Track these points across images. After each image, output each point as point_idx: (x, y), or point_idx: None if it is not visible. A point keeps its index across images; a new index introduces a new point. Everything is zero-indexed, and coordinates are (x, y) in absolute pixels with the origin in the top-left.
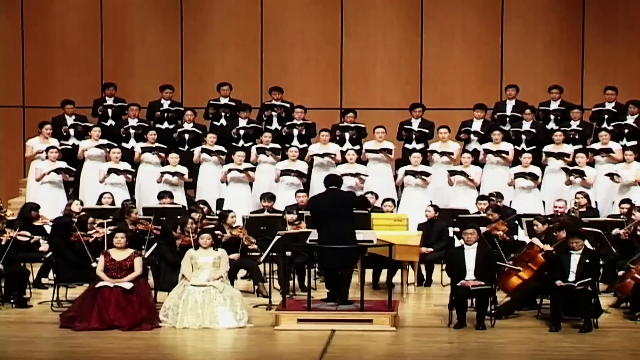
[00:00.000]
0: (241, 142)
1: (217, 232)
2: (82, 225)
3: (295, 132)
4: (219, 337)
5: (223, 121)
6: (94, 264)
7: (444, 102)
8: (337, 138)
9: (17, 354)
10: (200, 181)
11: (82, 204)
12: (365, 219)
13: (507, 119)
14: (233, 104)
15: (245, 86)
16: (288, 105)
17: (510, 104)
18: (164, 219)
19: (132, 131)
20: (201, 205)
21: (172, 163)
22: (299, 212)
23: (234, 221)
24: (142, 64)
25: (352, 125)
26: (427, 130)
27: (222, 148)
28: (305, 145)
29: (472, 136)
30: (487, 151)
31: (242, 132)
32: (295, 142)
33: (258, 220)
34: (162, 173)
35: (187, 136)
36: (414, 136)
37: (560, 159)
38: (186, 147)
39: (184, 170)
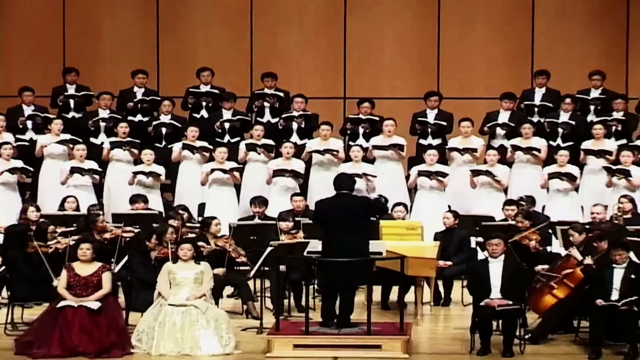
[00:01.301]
0: (227, 138)
1: (199, 242)
2: (40, 234)
3: (294, 125)
4: None
5: (204, 112)
6: (54, 283)
7: (465, 91)
8: (348, 132)
9: None
10: (180, 183)
11: (38, 209)
12: (373, 227)
13: (536, 109)
14: (216, 91)
15: (232, 72)
16: (282, 94)
17: (539, 92)
18: (137, 227)
19: (102, 124)
20: (180, 212)
21: (147, 161)
22: (296, 219)
23: (219, 229)
24: (111, 46)
25: (365, 117)
26: (444, 123)
27: (205, 144)
28: (305, 141)
29: (498, 130)
30: (515, 148)
31: (227, 125)
32: (294, 137)
33: (247, 229)
34: (135, 173)
35: (164, 130)
36: (429, 130)
37: (601, 157)
38: (163, 142)
39: (160, 169)
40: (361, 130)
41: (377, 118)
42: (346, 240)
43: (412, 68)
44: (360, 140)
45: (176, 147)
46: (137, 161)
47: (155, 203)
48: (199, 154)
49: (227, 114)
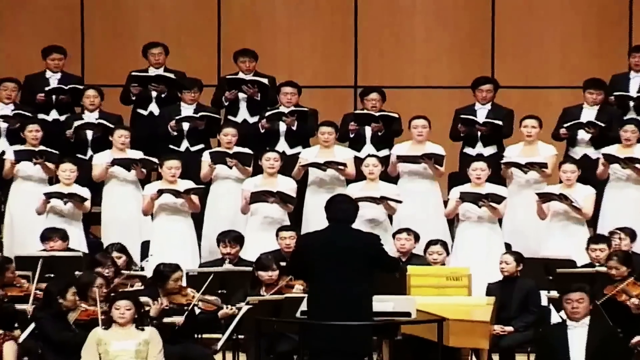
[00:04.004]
0: (185, 144)
1: (143, 299)
2: None
3: (282, 127)
4: None
5: (154, 107)
6: None
7: (531, 77)
8: (352, 136)
9: None
10: (111, 211)
11: None
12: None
13: (631, 102)
14: (172, 76)
15: (193, 50)
16: (266, 80)
17: (636, 78)
18: (52, 275)
19: (2, 125)
20: (116, 253)
21: (65, 179)
22: (282, 264)
23: (178, 286)
24: (15, 13)
25: (377, 114)
26: (500, 123)
27: (141, 154)
28: (298, 149)
29: (581, 134)
30: (609, 158)
31: (186, 126)
32: (282, 144)
33: (213, 279)
34: (47, 196)
35: (89, 134)
36: (478, 134)
37: None
38: (89, 152)
39: (84, 192)
40: (369, 133)
41: (395, 115)
42: (338, 292)
43: (455, 45)
44: (368, 148)
45: (98, 159)
46: (53, 179)
47: (77, 240)
48: (136, 170)
49: (187, 110)
